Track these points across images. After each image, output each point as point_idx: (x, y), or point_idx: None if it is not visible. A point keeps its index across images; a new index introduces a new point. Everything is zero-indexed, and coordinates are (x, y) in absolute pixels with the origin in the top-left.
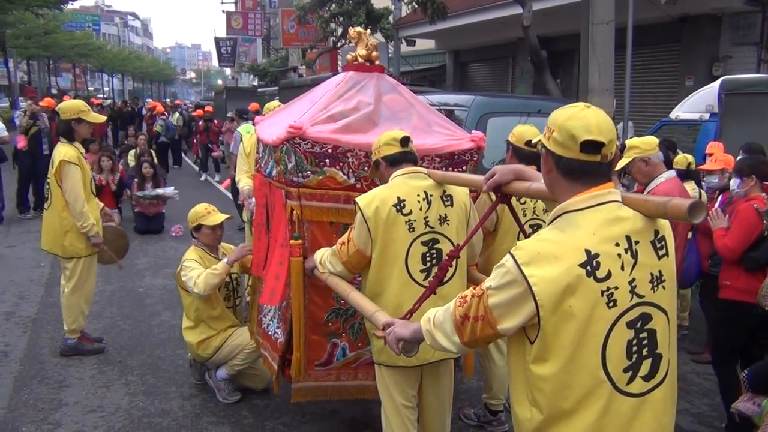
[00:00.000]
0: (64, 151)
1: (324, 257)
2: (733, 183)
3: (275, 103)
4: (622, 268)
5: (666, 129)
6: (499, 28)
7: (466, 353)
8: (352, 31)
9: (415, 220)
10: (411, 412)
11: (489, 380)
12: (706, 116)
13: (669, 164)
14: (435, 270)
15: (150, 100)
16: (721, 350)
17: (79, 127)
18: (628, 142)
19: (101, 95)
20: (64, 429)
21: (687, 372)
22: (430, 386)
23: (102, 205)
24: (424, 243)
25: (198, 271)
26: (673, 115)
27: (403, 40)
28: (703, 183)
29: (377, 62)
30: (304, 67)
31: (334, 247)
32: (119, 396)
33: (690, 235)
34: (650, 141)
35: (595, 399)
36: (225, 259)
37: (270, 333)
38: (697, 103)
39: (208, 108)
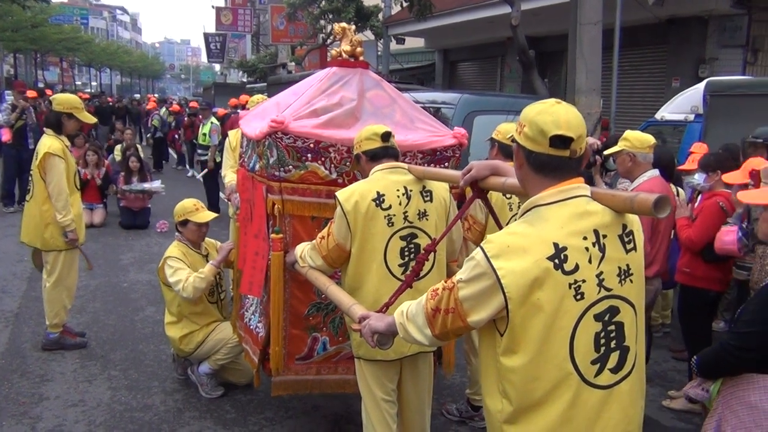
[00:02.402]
0: (49, 143)
1: (304, 251)
2: (699, 177)
3: (260, 96)
4: (590, 261)
5: (652, 129)
6: (489, 27)
7: (438, 346)
8: (337, 27)
9: (394, 215)
10: (391, 406)
11: (474, 375)
12: (691, 117)
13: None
14: (413, 264)
15: (138, 95)
16: (687, 333)
17: (69, 123)
18: (625, 133)
19: (89, 90)
20: (44, 423)
21: (668, 369)
22: (409, 380)
23: None
24: (402, 238)
25: (185, 272)
26: (658, 115)
27: (393, 38)
28: (685, 182)
29: (361, 58)
30: (293, 63)
31: (314, 241)
32: (101, 390)
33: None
34: (644, 139)
35: (563, 390)
36: (212, 262)
37: (251, 327)
38: (683, 104)
39: (193, 104)
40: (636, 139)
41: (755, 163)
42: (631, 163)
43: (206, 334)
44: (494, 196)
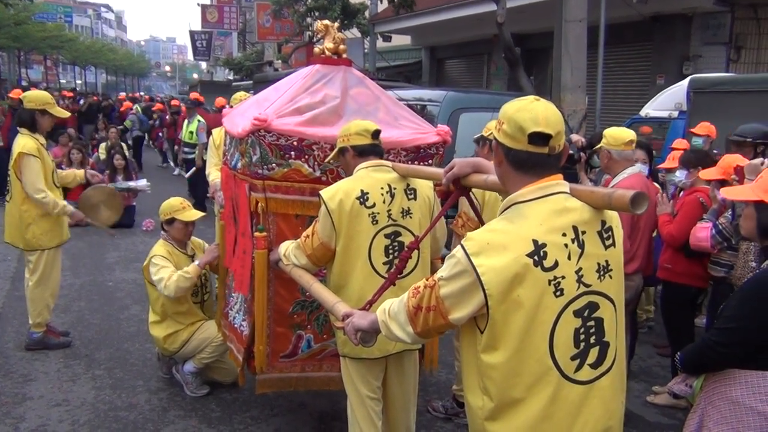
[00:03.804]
0: (23, 142)
1: (288, 250)
2: (680, 174)
3: (243, 93)
4: (569, 257)
5: (636, 126)
6: (475, 24)
7: (421, 344)
8: (319, 24)
9: (378, 213)
10: (376, 404)
11: (460, 372)
12: (675, 114)
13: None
14: (397, 262)
15: (124, 93)
16: (670, 329)
17: (43, 120)
18: (605, 130)
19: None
20: (28, 423)
21: (652, 365)
22: (394, 378)
23: (82, 171)
24: (386, 236)
25: (169, 271)
26: (643, 112)
27: (379, 36)
28: (667, 179)
29: (344, 55)
30: (279, 61)
31: (298, 240)
32: (85, 390)
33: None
34: (619, 136)
35: (544, 386)
36: (197, 262)
37: (236, 325)
38: (667, 101)
39: (175, 102)
40: (611, 137)
41: (731, 159)
42: (609, 160)
43: (191, 333)
44: (486, 193)
